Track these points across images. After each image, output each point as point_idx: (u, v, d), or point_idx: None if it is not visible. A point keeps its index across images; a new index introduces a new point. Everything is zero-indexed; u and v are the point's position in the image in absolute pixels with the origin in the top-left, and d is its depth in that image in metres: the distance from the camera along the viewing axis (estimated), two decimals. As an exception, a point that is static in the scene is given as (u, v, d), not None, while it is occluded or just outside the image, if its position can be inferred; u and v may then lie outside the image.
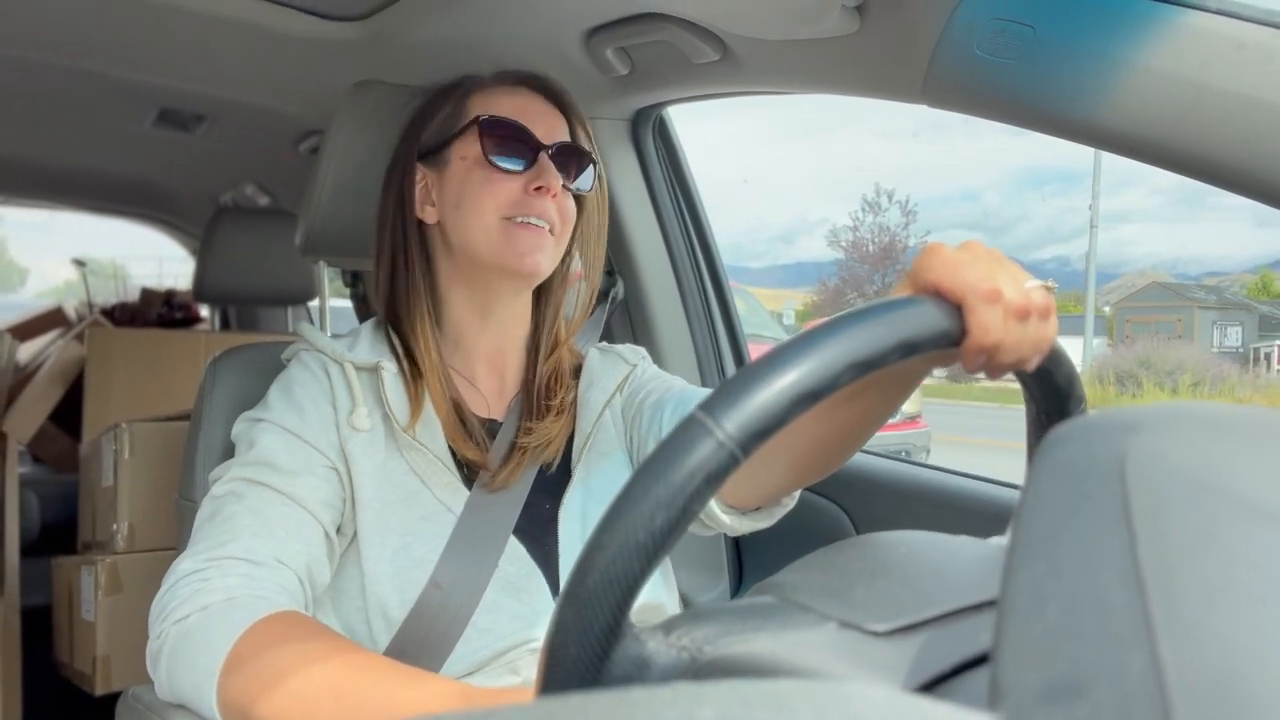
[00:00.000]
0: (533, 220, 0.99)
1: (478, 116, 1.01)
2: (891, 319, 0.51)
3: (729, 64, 1.20)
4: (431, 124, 1.06)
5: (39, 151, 2.36)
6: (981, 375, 0.65)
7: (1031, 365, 0.61)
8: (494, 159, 0.99)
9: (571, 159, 1.04)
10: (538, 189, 0.99)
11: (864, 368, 0.48)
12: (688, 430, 0.45)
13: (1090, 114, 0.82)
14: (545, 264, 1.01)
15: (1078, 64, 0.83)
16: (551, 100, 1.06)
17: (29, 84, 1.70)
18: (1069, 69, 0.83)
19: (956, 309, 0.56)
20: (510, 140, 1.00)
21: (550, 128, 1.03)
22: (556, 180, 1.00)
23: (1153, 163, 0.83)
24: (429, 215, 1.04)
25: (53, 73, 1.61)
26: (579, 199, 1.07)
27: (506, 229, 0.99)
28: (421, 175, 1.05)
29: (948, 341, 0.55)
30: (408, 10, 1.23)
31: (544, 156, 1.00)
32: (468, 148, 1.01)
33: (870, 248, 22.02)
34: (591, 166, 1.06)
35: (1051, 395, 0.63)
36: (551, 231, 1.01)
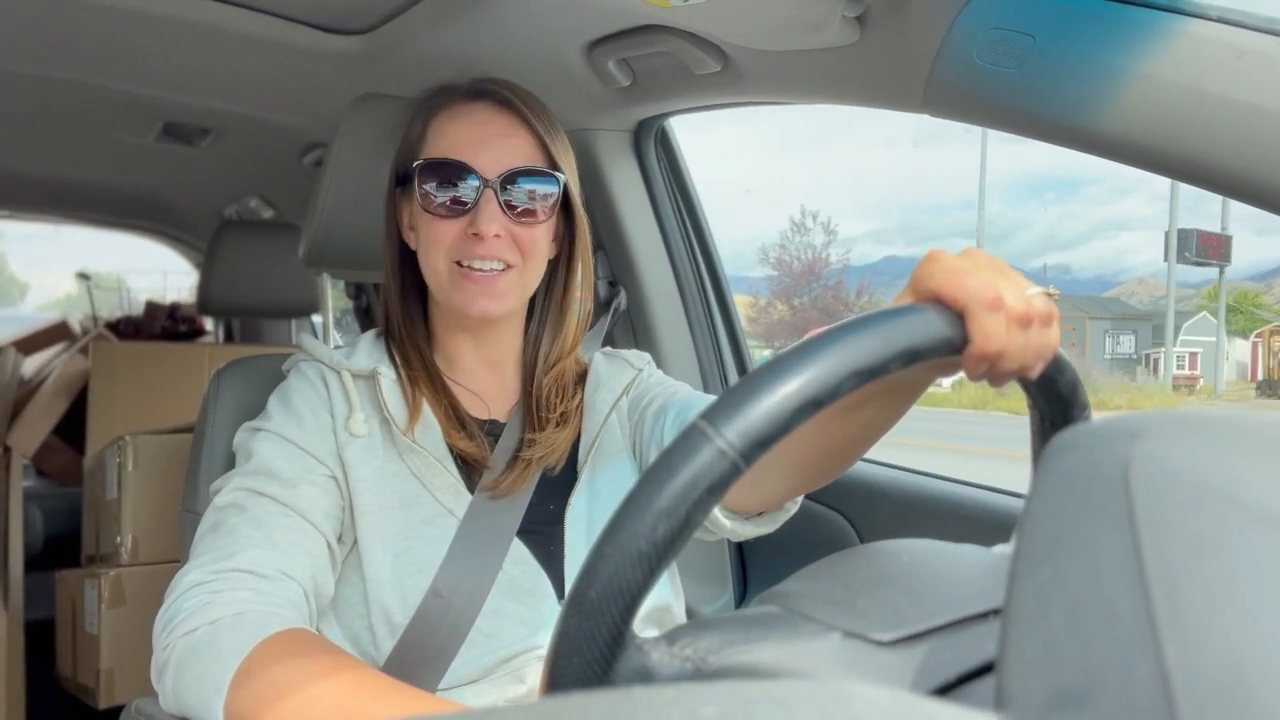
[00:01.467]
0: (476, 265, 0.98)
1: (415, 163, 0.99)
2: (893, 327, 0.51)
3: (730, 75, 1.21)
4: (404, 145, 1.05)
5: (44, 165, 2.37)
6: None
7: (1035, 373, 0.60)
8: (431, 207, 0.98)
9: (528, 180, 1.00)
10: (474, 234, 0.97)
11: (866, 376, 0.48)
12: (689, 439, 0.44)
13: (1091, 122, 0.83)
14: (496, 308, 0.99)
15: (1078, 72, 0.83)
16: (512, 111, 1.03)
17: (34, 98, 1.71)
18: (1069, 77, 0.83)
19: (959, 317, 0.56)
20: (449, 181, 0.98)
21: (504, 149, 0.99)
22: (492, 224, 0.97)
23: (1154, 170, 0.83)
24: (411, 241, 1.05)
25: (58, 87, 1.62)
26: (565, 211, 1.06)
27: (454, 275, 0.98)
28: (402, 202, 1.06)
29: (950, 349, 0.55)
30: (411, 24, 1.23)
31: (486, 193, 0.97)
32: (418, 186, 1.00)
33: (795, 265, 23.82)
34: (556, 181, 1.02)
35: (1055, 403, 0.63)
36: (510, 268, 0.99)
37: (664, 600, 1.04)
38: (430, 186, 0.98)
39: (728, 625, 0.47)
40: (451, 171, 0.98)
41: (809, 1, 0.96)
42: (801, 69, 1.12)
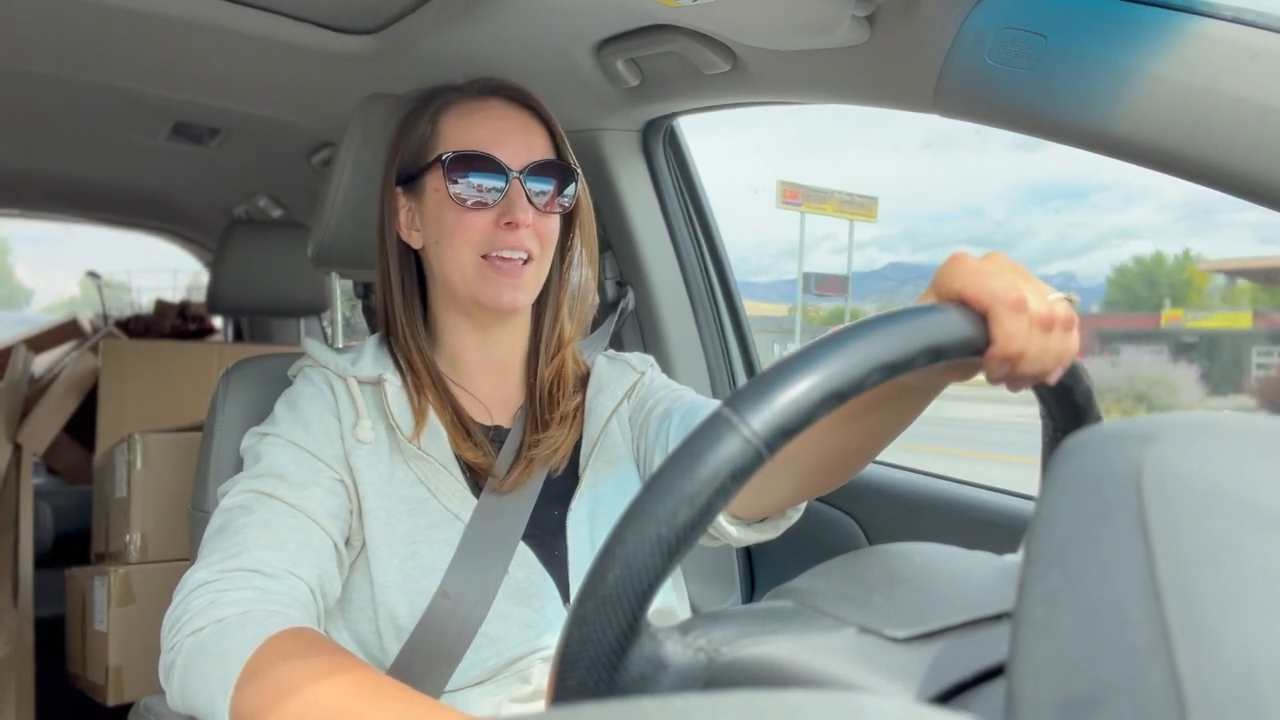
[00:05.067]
0: (506, 254, 0.99)
1: (440, 156, 1.00)
2: (918, 324, 0.51)
3: (739, 75, 1.20)
4: (409, 145, 1.05)
5: (55, 165, 2.38)
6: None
7: (1053, 378, 0.60)
8: (460, 199, 0.99)
9: (548, 175, 1.02)
10: (508, 224, 0.98)
11: (890, 370, 0.48)
12: (713, 426, 0.44)
13: (1103, 123, 0.82)
14: (523, 297, 1.01)
15: (1090, 73, 0.82)
16: (526, 108, 1.05)
17: (45, 99, 1.72)
18: (1081, 78, 0.83)
19: (981, 318, 0.56)
20: (476, 173, 0.99)
21: (523, 145, 1.01)
22: (526, 213, 0.99)
23: (1165, 171, 0.82)
24: (415, 240, 1.05)
25: (68, 87, 1.63)
26: (570, 211, 1.07)
27: (482, 267, 0.99)
28: (404, 202, 1.06)
29: (972, 349, 0.55)
30: (419, 23, 1.23)
31: (514, 184, 0.99)
32: (438, 181, 1.00)
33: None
34: (573, 177, 1.04)
35: (1069, 412, 0.62)
36: (530, 258, 1.00)
37: (667, 604, 1.03)
38: (458, 179, 0.99)
39: (742, 617, 0.47)
40: (481, 164, 0.99)
41: (819, 1, 0.96)
42: (811, 69, 1.12)
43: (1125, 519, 0.34)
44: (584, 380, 1.12)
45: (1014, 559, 0.56)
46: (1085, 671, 0.31)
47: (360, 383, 1.01)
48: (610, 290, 1.57)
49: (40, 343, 2.83)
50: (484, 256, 0.99)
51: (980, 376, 0.62)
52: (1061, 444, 0.39)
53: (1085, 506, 0.35)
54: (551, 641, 0.94)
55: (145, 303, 3.26)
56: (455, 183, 0.99)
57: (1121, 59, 0.80)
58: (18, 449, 2.16)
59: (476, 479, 1.00)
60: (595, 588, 0.43)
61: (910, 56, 0.98)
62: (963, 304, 0.57)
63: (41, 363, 2.67)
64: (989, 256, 0.62)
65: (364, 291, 2.50)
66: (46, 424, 2.25)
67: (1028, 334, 0.57)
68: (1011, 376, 0.59)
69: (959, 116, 0.97)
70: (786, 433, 0.44)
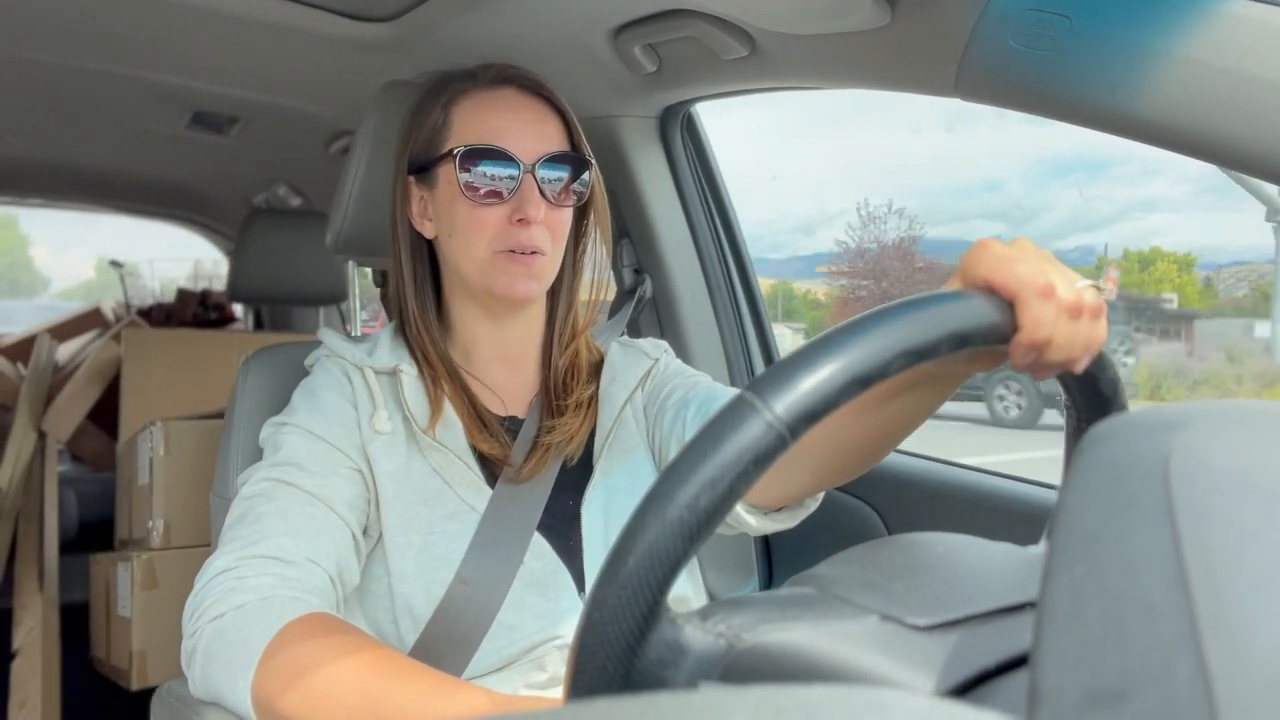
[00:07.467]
0: (520, 250, 0.99)
1: (452, 150, 0.99)
2: (943, 310, 0.50)
3: (758, 60, 1.19)
4: (421, 134, 1.04)
5: (75, 155, 2.40)
6: None
7: (1080, 366, 0.59)
8: (474, 194, 0.98)
9: (561, 167, 1.01)
10: (519, 220, 0.98)
11: (915, 356, 0.48)
12: (736, 410, 0.44)
13: (1128, 105, 0.81)
14: (536, 289, 1.01)
15: (1115, 55, 0.81)
16: (540, 97, 1.04)
17: (65, 88, 1.73)
18: (1106, 60, 0.82)
19: (1008, 304, 0.56)
20: (490, 167, 0.98)
21: (537, 136, 1.00)
22: (539, 209, 0.98)
23: (1192, 155, 0.81)
24: (428, 230, 1.05)
25: (88, 77, 1.63)
26: (584, 201, 1.06)
27: (496, 260, 0.99)
28: (417, 191, 1.05)
29: (998, 336, 0.54)
30: (436, 10, 1.23)
31: (527, 179, 0.98)
32: (451, 174, 0.99)
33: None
34: (586, 168, 1.04)
35: (1094, 402, 0.62)
36: (543, 251, 1.00)
37: (682, 593, 1.03)
38: (471, 173, 0.98)
39: (762, 603, 0.47)
40: (493, 158, 0.98)
41: (838, -16, 0.94)
42: (830, 53, 1.11)
43: (1152, 509, 0.33)
44: (597, 368, 1.11)
45: (1037, 550, 0.56)
46: (1111, 663, 0.30)
47: (376, 373, 1.01)
48: (628, 278, 1.57)
49: (63, 331, 2.85)
50: (497, 251, 0.99)
51: None
52: (1087, 433, 0.38)
53: (1111, 496, 0.35)
54: (566, 631, 0.95)
55: (159, 286, 3.29)
56: (468, 177, 0.98)
57: (1147, 40, 0.79)
58: (42, 436, 2.18)
59: (491, 469, 1.00)
60: (615, 572, 0.43)
61: (932, 39, 0.97)
62: (989, 290, 0.56)
63: (65, 351, 2.69)
64: (1015, 242, 0.61)
65: (382, 280, 2.51)
66: (70, 412, 2.28)
67: (1055, 320, 0.56)
68: (1038, 364, 0.58)
69: (981, 100, 0.96)
70: (810, 417, 0.44)
